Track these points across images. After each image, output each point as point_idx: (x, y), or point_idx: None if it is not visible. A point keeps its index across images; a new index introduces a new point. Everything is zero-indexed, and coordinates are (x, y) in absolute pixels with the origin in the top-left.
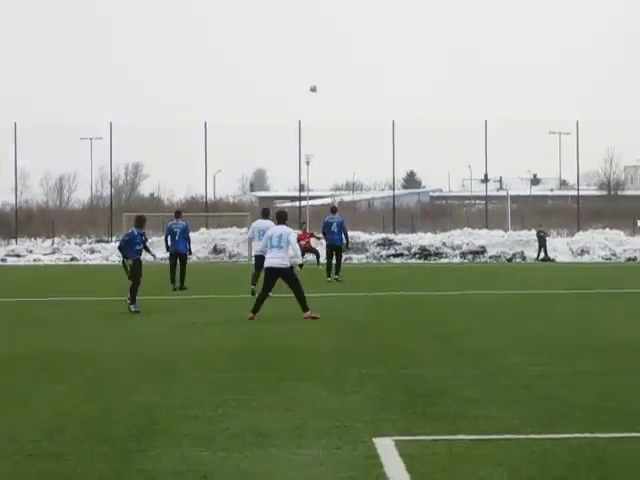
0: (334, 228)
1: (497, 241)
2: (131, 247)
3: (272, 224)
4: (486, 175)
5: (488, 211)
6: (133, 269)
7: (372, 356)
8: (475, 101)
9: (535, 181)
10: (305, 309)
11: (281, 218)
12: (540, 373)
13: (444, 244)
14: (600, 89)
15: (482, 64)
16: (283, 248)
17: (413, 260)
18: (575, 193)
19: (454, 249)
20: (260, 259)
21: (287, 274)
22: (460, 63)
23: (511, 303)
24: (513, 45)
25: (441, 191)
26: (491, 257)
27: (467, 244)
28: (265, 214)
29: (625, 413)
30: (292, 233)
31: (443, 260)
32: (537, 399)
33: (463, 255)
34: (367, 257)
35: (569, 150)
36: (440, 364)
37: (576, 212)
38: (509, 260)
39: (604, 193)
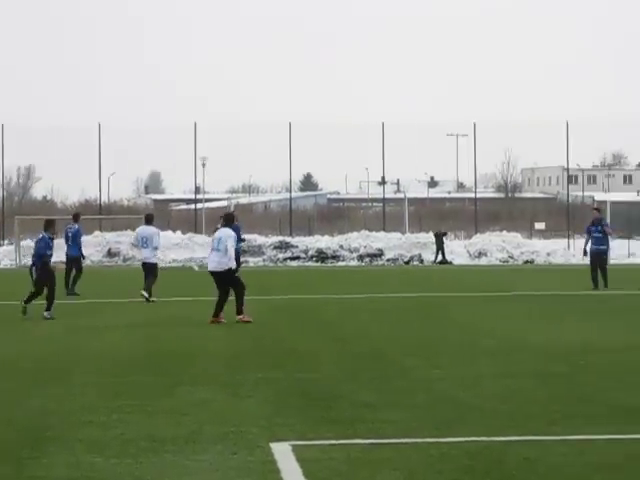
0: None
1: (395, 244)
2: (46, 253)
3: (156, 230)
4: (383, 177)
5: (386, 213)
6: (44, 276)
7: (269, 360)
8: (372, 104)
9: (433, 183)
10: (239, 312)
11: (226, 220)
12: (438, 376)
13: (341, 247)
14: (497, 91)
15: (377, 66)
16: (220, 251)
17: (310, 263)
18: (472, 195)
19: (351, 252)
20: (144, 266)
21: (224, 277)
22: (356, 65)
23: (409, 306)
24: (410, 46)
25: (338, 193)
26: (389, 260)
27: (365, 247)
28: (148, 220)
29: (521, 416)
30: (231, 237)
31: (340, 263)
32: (435, 402)
33: (361, 258)
34: (264, 260)
35: (467, 152)
36: (337, 367)
37: (474, 214)
38: (407, 263)
39: (501, 195)
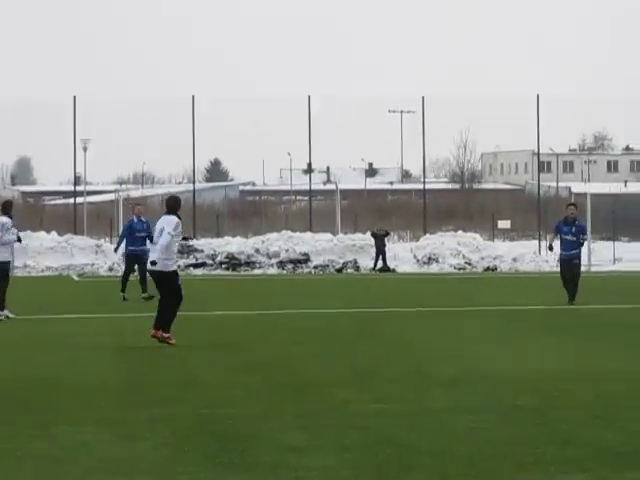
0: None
1: (324, 247)
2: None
3: (6, 220)
4: (310, 164)
5: (313, 209)
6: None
7: (167, 392)
8: (297, 77)
9: (371, 172)
10: (164, 329)
11: (168, 206)
12: (377, 411)
13: (257, 251)
14: (452, 61)
15: (303, 36)
16: (162, 245)
17: (219, 271)
18: (421, 187)
19: (270, 257)
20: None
21: (163, 279)
22: (278, 35)
23: (342, 324)
24: (344, 7)
25: (254, 184)
26: (316, 267)
27: (286, 251)
28: (5, 209)
29: (481, 460)
30: (172, 225)
31: (257, 271)
32: (373, 444)
33: (281, 265)
34: None
35: (413, 134)
36: (253, 401)
37: (422, 210)
38: (339, 270)
39: (457, 187)
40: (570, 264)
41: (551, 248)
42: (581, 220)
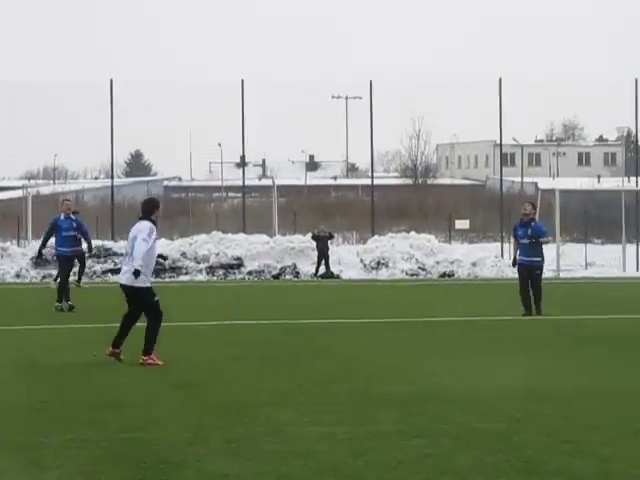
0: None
1: (259, 250)
2: None
3: None
4: (243, 157)
5: (247, 208)
6: None
7: (82, 415)
8: (227, 59)
9: (313, 165)
10: (146, 352)
11: (142, 210)
12: (320, 435)
13: (184, 255)
14: (403, 41)
15: (236, 19)
16: (133, 257)
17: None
18: (368, 182)
19: (199, 262)
20: None
21: (136, 296)
22: (210, 16)
23: (279, 338)
24: None
25: (180, 180)
26: (251, 273)
27: (217, 255)
28: None
29: None
30: (144, 232)
31: (183, 277)
32: (317, 472)
33: (211, 270)
34: (74, 274)
35: (360, 122)
36: (180, 424)
37: (370, 209)
38: (276, 277)
39: (409, 182)
40: (528, 271)
41: (515, 263)
42: (535, 223)
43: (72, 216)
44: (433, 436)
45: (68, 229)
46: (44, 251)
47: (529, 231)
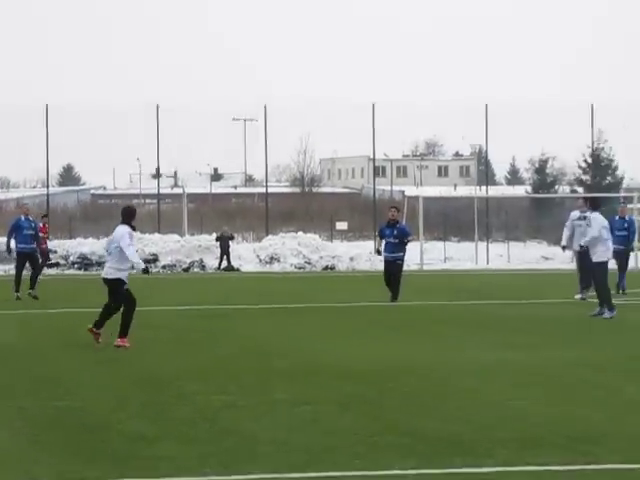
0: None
1: (172, 248)
2: None
3: None
4: (158, 169)
5: (161, 212)
6: None
7: (21, 386)
8: (144, 84)
9: (216, 177)
10: (122, 334)
11: (122, 215)
12: (224, 404)
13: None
14: (292, 70)
15: (151, 42)
16: (111, 254)
17: (71, 271)
18: (263, 190)
19: None
20: None
21: (113, 286)
22: (130, 42)
23: (187, 321)
24: (183, 19)
25: (105, 188)
26: (165, 267)
27: (136, 251)
28: None
29: (320, 449)
30: (124, 238)
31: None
32: (220, 434)
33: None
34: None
35: (256, 140)
36: (104, 394)
37: (264, 213)
38: (186, 270)
39: (297, 190)
40: (392, 265)
41: (379, 252)
42: (400, 224)
43: (30, 217)
44: (318, 403)
45: (28, 228)
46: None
47: (395, 231)
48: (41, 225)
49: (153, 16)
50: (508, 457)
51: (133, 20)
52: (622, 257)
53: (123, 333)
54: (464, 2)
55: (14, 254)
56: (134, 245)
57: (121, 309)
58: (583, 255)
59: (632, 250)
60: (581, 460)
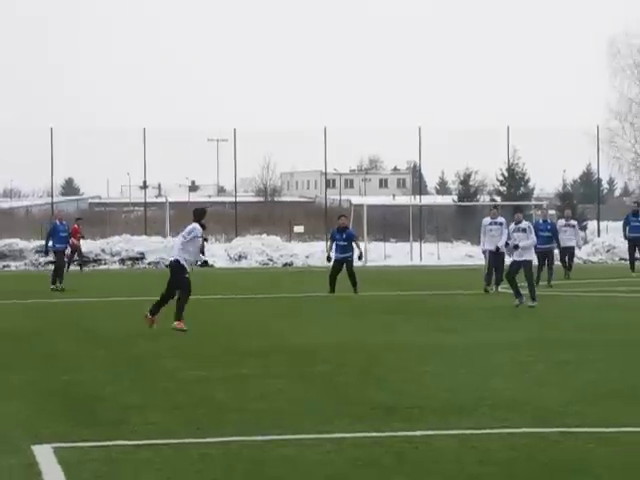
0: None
1: (156, 247)
2: None
3: None
4: (145, 182)
5: (147, 217)
6: None
7: (30, 362)
8: (132, 110)
9: (194, 187)
10: (177, 317)
11: (194, 215)
12: (200, 377)
13: (103, 251)
14: (259, 100)
15: (134, 72)
16: (181, 243)
17: (72, 268)
18: (233, 199)
19: (113, 255)
20: None
21: (175, 270)
22: (106, 69)
23: (167, 309)
24: (169, 52)
25: (100, 198)
26: (150, 263)
27: (126, 250)
28: None
29: (283, 416)
30: (185, 231)
31: (102, 267)
32: (197, 403)
33: (122, 261)
34: (25, 264)
35: (228, 157)
36: (100, 370)
37: (234, 218)
38: (168, 266)
39: (261, 199)
40: (342, 263)
41: (329, 259)
42: (349, 230)
43: (64, 222)
44: (283, 377)
45: (63, 231)
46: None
47: (344, 235)
48: (75, 226)
49: (141, 56)
50: (437, 423)
51: (122, 57)
52: (549, 255)
53: (179, 316)
54: (397, 36)
55: (51, 254)
56: (187, 239)
57: (176, 296)
58: (497, 255)
59: (558, 248)
60: (498, 425)
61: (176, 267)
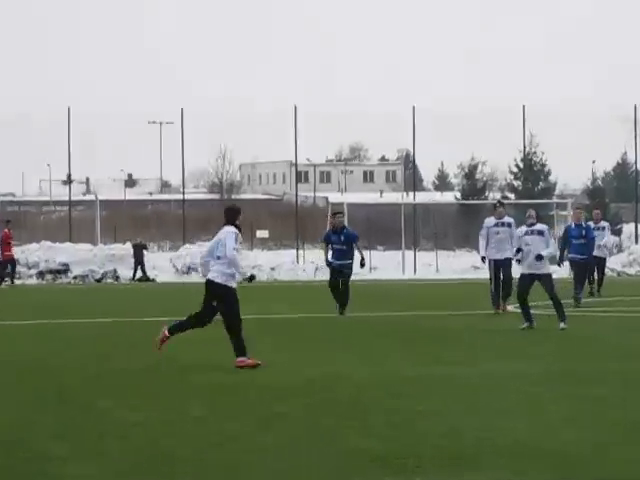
0: None
1: (84, 257)
2: None
3: None
4: (69, 176)
5: (73, 219)
6: None
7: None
8: (55, 90)
9: (131, 183)
10: (240, 353)
11: (225, 216)
12: (137, 420)
13: (17, 261)
14: (209, 76)
15: (62, 44)
16: (220, 258)
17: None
18: (180, 197)
19: (30, 267)
20: None
21: (220, 294)
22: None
23: (101, 333)
24: (99, 21)
25: (13, 195)
26: (76, 277)
27: (46, 261)
28: None
29: (236, 469)
30: (231, 236)
31: (16, 281)
32: (132, 451)
33: (41, 275)
34: None
35: (173, 145)
36: (12, 410)
37: (182, 220)
38: (99, 280)
39: (216, 197)
40: (341, 273)
41: (330, 264)
42: (347, 229)
43: None
44: (237, 419)
45: None
46: None
47: (342, 237)
48: (6, 231)
49: (63, 12)
50: (437, 475)
51: (43, 17)
52: (582, 267)
53: (243, 352)
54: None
55: None
56: (239, 249)
57: (207, 324)
58: (505, 265)
59: (589, 259)
60: (509, 477)
61: (221, 288)
